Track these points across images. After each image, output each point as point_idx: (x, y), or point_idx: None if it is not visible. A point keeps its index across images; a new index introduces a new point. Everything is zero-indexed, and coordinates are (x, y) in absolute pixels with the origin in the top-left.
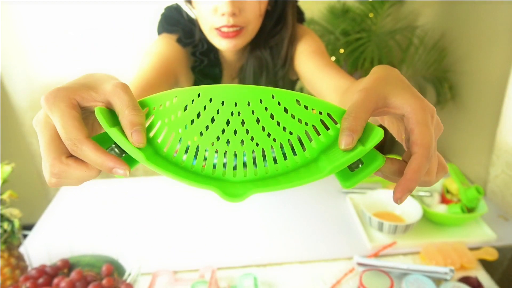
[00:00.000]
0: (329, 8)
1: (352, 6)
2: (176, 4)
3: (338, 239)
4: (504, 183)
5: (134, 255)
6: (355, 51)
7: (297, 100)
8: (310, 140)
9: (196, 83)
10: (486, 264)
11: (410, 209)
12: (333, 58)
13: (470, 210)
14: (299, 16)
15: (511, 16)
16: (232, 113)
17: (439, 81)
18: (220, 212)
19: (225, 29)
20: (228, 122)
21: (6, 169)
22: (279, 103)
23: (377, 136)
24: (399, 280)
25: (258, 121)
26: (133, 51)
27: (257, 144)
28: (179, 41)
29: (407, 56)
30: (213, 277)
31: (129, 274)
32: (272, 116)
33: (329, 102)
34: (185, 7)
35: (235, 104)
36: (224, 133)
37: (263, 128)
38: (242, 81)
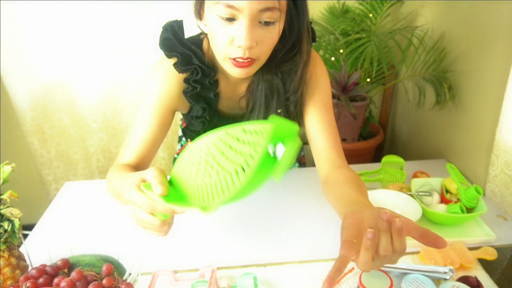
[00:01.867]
0: (328, 9)
1: (352, 6)
2: (176, 21)
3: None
4: (503, 183)
5: (134, 255)
6: (354, 51)
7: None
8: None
9: (190, 107)
10: (485, 264)
11: (410, 209)
12: (333, 58)
13: (470, 210)
14: (312, 35)
15: (511, 16)
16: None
17: (439, 81)
18: (220, 212)
19: (239, 60)
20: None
21: (6, 169)
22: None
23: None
24: (398, 279)
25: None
26: (133, 51)
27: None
28: (175, 66)
29: (407, 56)
30: (213, 277)
31: (129, 274)
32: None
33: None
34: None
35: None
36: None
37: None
38: (250, 101)
